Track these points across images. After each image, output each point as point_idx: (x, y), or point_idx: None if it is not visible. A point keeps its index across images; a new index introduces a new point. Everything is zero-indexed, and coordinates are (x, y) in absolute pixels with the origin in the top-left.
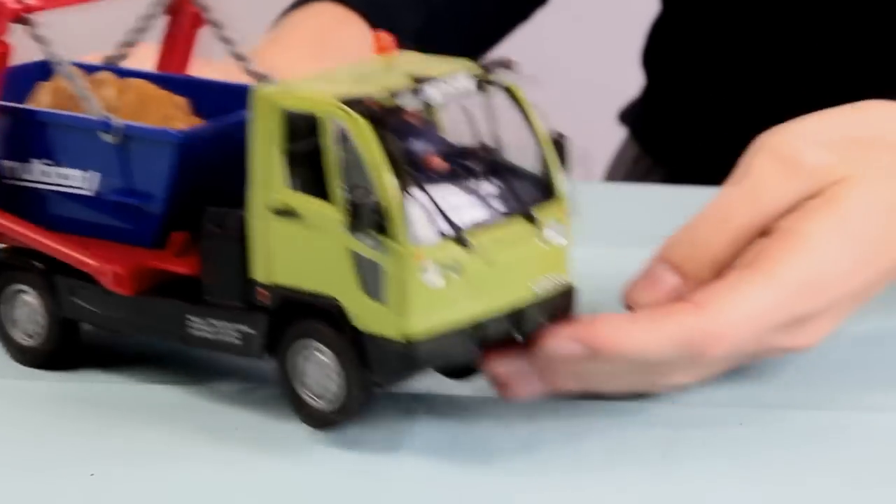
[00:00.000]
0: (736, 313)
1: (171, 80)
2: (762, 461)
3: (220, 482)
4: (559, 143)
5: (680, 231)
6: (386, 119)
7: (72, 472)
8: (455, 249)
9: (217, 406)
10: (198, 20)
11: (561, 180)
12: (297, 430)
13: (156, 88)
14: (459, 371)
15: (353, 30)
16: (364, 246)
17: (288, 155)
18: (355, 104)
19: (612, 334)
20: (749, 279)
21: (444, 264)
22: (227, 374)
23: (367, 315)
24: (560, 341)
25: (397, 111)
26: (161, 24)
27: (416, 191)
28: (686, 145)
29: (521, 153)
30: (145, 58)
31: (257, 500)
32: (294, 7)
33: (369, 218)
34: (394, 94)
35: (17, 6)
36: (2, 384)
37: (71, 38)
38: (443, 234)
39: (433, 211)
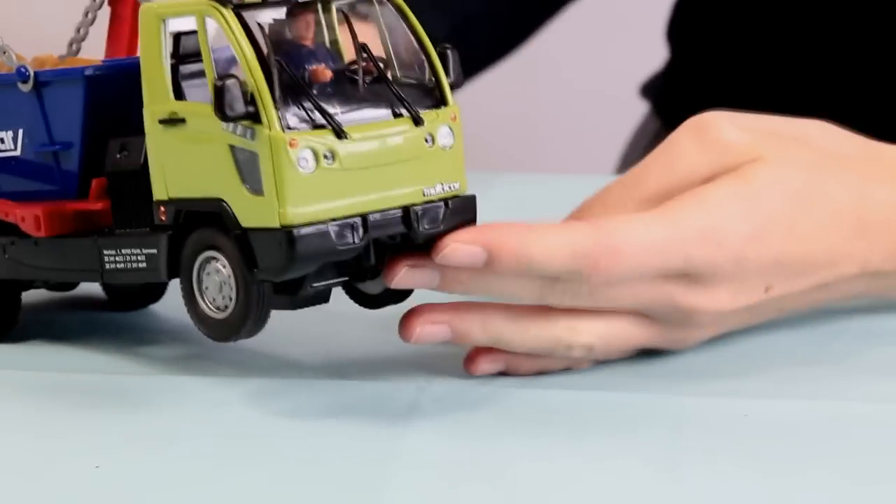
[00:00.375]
0: (630, 235)
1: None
2: (768, 453)
3: (225, 471)
4: (444, 54)
5: (595, 193)
6: (248, 8)
7: (77, 464)
8: (329, 137)
9: (221, 395)
10: (137, 6)
11: (447, 87)
12: (301, 419)
13: (93, 60)
14: (369, 297)
15: None
16: (237, 136)
17: (171, 65)
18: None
19: (509, 239)
20: (647, 215)
21: (317, 149)
22: (232, 364)
23: (249, 210)
24: (457, 245)
25: (262, 4)
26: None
27: (291, 87)
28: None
29: (408, 62)
30: None
31: (261, 491)
32: None
33: (234, 102)
34: None
35: None
36: (8, 375)
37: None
38: (316, 124)
39: (309, 104)
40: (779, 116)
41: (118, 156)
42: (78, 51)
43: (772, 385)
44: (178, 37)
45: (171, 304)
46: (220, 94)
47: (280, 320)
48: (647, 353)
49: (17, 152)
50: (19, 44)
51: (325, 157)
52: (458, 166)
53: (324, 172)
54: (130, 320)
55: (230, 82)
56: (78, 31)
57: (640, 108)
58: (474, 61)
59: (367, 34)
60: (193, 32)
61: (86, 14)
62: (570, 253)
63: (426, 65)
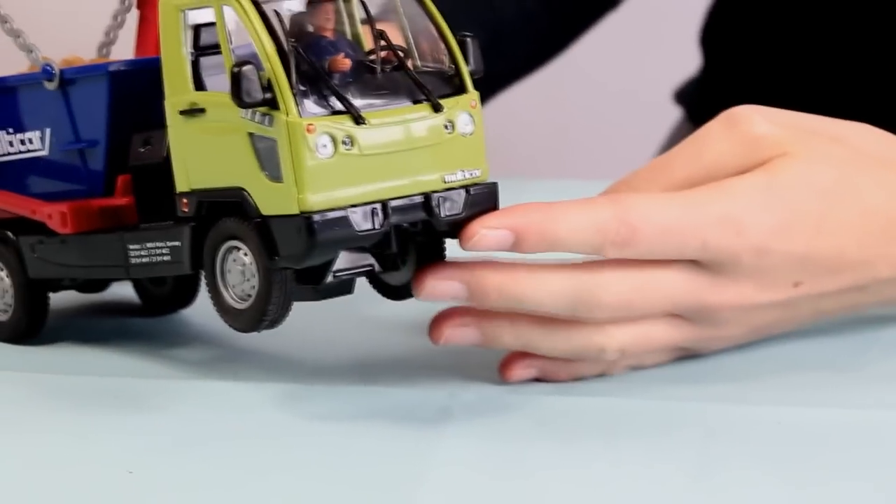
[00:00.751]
0: (647, 212)
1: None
2: (800, 461)
3: (256, 476)
4: (464, 42)
5: (624, 177)
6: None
7: (110, 468)
8: (347, 123)
9: (252, 400)
10: None
11: (467, 74)
12: (332, 424)
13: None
14: (398, 290)
15: None
16: (256, 123)
17: (191, 56)
18: None
19: (533, 218)
20: (667, 196)
21: (335, 135)
22: (263, 368)
23: (269, 198)
24: (484, 231)
25: None
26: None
27: (310, 75)
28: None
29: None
30: None
31: (290, 495)
32: None
33: (250, 87)
34: None
35: None
36: (42, 379)
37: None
38: (335, 110)
39: (328, 91)
40: (815, 115)
41: (141, 150)
42: (108, 54)
43: (804, 393)
44: (197, 28)
45: (203, 308)
46: (237, 81)
47: (310, 324)
48: (679, 360)
49: (45, 152)
50: (50, 47)
51: (344, 142)
52: (478, 153)
53: (342, 158)
54: (162, 325)
55: (247, 69)
56: (107, 34)
57: (673, 114)
58: (509, 73)
59: (388, 24)
60: (212, 24)
61: (115, 17)
62: (592, 228)
63: (446, 53)
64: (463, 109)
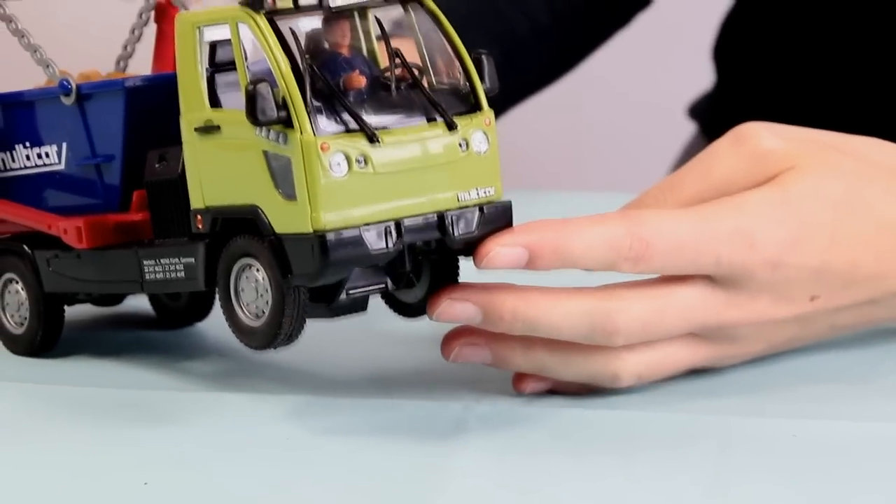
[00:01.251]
0: (660, 228)
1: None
2: (816, 474)
3: (271, 488)
4: (479, 59)
5: (635, 198)
6: (281, 14)
7: (124, 480)
8: (361, 141)
9: (266, 412)
10: None
11: (482, 92)
12: (347, 436)
13: (137, 75)
14: (412, 308)
15: None
16: (270, 142)
17: (207, 74)
18: (252, 4)
19: (548, 236)
20: (680, 212)
21: (349, 154)
22: (278, 381)
23: (283, 216)
24: (498, 249)
25: (294, 10)
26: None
27: (325, 92)
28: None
29: (443, 68)
30: None
31: None
32: None
33: (265, 106)
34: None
35: None
36: (58, 391)
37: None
38: (349, 128)
39: (342, 109)
40: (823, 130)
41: (157, 166)
42: (125, 68)
43: (820, 406)
44: (213, 46)
45: (218, 321)
46: (251, 99)
47: (325, 338)
48: (695, 373)
49: (61, 166)
50: (67, 60)
51: (358, 161)
52: (492, 172)
53: (356, 177)
54: (177, 337)
55: (261, 86)
56: (125, 48)
57: (688, 127)
58: (522, 87)
59: (403, 41)
60: (228, 41)
61: (132, 31)
62: (605, 244)
63: (461, 70)
64: (477, 128)
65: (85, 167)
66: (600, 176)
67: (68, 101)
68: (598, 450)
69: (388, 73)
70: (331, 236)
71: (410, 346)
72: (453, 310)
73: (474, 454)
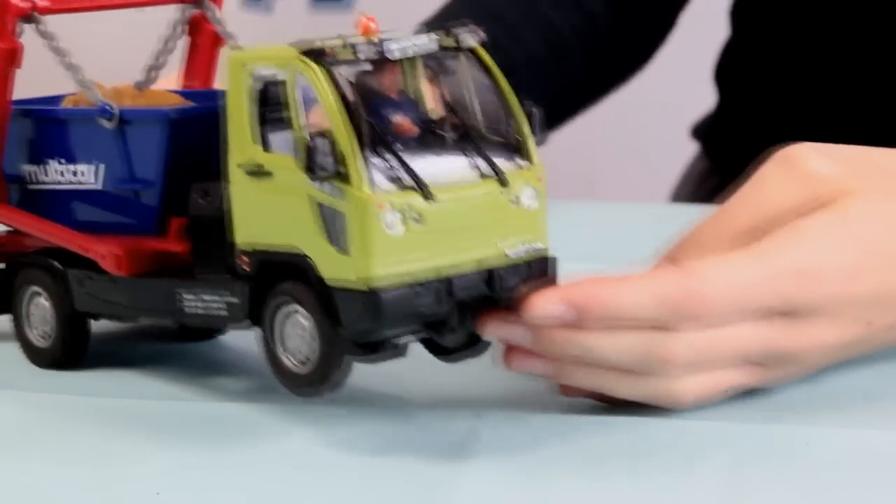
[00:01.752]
0: (718, 277)
1: (193, 93)
2: (829, 482)
3: (285, 499)
4: (530, 112)
5: (687, 232)
6: (342, 63)
7: (138, 490)
8: (416, 199)
9: (280, 424)
10: (218, 39)
11: (533, 146)
12: (361, 447)
13: (171, 94)
14: (446, 349)
15: None
16: (325, 194)
17: (258, 114)
18: (311, 53)
19: (597, 291)
20: (738, 255)
21: (405, 211)
22: (292, 396)
23: (333, 266)
24: (545, 303)
25: (353, 61)
26: (182, 44)
27: (378, 142)
28: (755, 162)
29: (494, 120)
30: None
31: None
32: None
33: (324, 161)
34: (352, 46)
35: (25, 4)
36: (78, 401)
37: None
38: (404, 185)
39: (396, 163)
40: (867, 147)
41: (200, 201)
42: (155, 78)
43: (832, 414)
44: (265, 85)
45: (237, 334)
46: (311, 154)
47: None
48: None
49: (97, 185)
50: (95, 69)
51: (413, 219)
52: (541, 227)
53: (411, 234)
54: (197, 350)
55: (321, 142)
56: (156, 58)
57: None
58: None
59: (453, 88)
60: (280, 81)
61: (164, 42)
62: (656, 299)
63: (511, 122)
64: (528, 183)
65: (122, 189)
66: (605, 186)
67: (110, 125)
68: (609, 458)
69: (438, 121)
70: (385, 295)
71: (420, 355)
72: (503, 330)
73: (486, 463)
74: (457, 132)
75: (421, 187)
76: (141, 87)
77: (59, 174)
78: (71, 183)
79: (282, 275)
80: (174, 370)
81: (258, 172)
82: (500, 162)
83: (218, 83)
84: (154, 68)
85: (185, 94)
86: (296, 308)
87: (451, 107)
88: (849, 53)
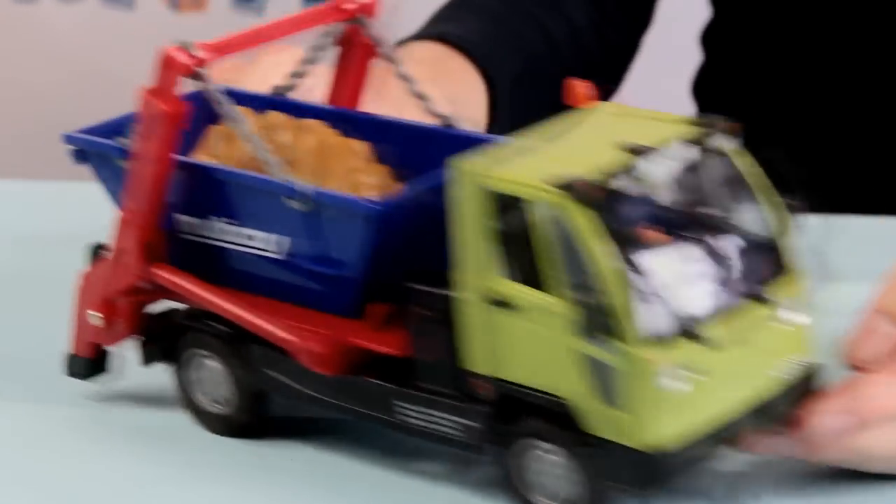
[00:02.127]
0: None
1: (346, 117)
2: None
3: None
4: (792, 209)
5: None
6: (604, 205)
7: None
8: (691, 347)
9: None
10: (370, 52)
11: (792, 251)
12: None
13: (334, 134)
14: None
15: (461, 61)
16: (593, 348)
17: (498, 239)
18: (569, 189)
19: (875, 393)
20: None
21: (682, 365)
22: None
23: (601, 420)
24: (825, 417)
25: (614, 195)
26: (332, 55)
27: (642, 282)
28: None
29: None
30: (314, 86)
31: None
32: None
33: (599, 320)
34: (609, 175)
35: (188, 61)
36: (98, 412)
37: None
38: (677, 332)
39: (664, 307)
40: None
41: (423, 310)
42: (294, 86)
43: None
44: (507, 208)
45: None
46: (588, 315)
47: None
48: None
49: (279, 256)
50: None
51: (690, 372)
52: (808, 340)
53: (688, 388)
54: None
55: (596, 302)
56: (302, 65)
57: None
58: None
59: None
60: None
61: (313, 51)
62: None
63: (768, 225)
64: (792, 297)
65: (314, 268)
66: None
67: (300, 207)
68: None
69: (694, 230)
70: (664, 458)
71: None
72: (776, 448)
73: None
74: (706, 232)
75: (695, 333)
76: (281, 92)
77: (223, 232)
78: (241, 245)
79: (527, 409)
80: None
81: (505, 304)
82: (757, 272)
83: (366, 97)
84: (296, 75)
85: (335, 114)
86: (546, 447)
87: (709, 222)
88: (832, 27)
